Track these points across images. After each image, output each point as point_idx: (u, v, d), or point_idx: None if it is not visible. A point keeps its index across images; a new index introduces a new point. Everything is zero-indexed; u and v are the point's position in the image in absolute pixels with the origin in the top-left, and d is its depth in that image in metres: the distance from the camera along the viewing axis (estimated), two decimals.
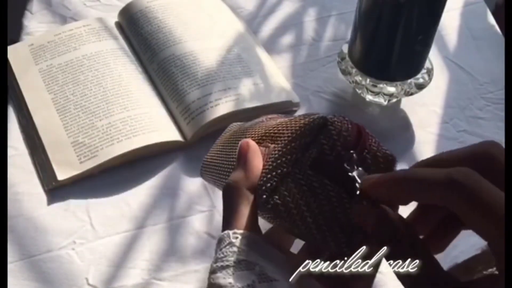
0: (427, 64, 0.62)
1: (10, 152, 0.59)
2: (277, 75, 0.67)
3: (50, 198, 0.56)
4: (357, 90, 0.65)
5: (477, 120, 0.65)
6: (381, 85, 0.62)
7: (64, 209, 0.55)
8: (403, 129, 0.64)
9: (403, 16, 0.55)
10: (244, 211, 0.33)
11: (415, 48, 0.59)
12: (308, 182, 0.32)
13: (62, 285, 0.50)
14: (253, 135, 0.38)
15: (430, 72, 0.63)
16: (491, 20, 0.76)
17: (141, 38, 0.69)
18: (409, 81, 0.62)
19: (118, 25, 0.72)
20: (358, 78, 0.63)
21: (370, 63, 0.61)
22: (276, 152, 0.34)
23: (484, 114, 0.65)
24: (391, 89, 0.62)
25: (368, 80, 0.62)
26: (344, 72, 0.64)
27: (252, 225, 0.32)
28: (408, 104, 0.66)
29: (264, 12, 0.76)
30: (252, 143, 0.36)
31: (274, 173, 0.33)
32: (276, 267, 0.31)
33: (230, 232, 0.32)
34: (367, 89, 0.63)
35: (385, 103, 0.64)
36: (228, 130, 0.45)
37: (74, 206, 0.56)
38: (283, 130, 0.35)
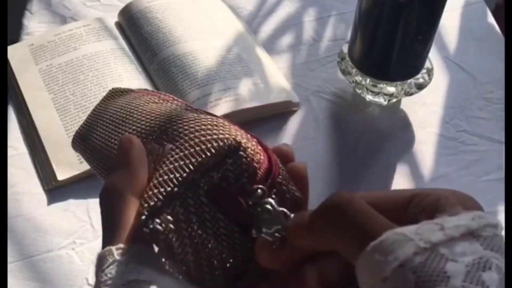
0: (427, 64, 0.62)
1: (10, 152, 0.59)
2: (277, 75, 0.67)
3: (50, 198, 0.56)
4: (357, 90, 0.65)
5: (477, 120, 0.65)
6: (381, 85, 0.62)
7: (64, 209, 0.55)
8: (403, 129, 0.64)
9: (403, 16, 0.55)
10: (130, 221, 0.26)
11: (415, 48, 0.59)
12: (199, 211, 0.27)
13: (62, 285, 0.50)
14: (146, 124, 0.31)
15: (430, 72, 0.63)
16: (491, 20, 0.76)
17: (141, 38, 0.69)
18: (409, 81, 0.62)
19: (118, 25, 0.72)
20: (358, 78, 0.62)
21: (370, 63, 0.61)
22: (171, 161, 0.27)
23: (484, 114, 0.65)
24: (391, 89, 0.62)
25: (368, 80, 0.62)
26: (344, 72, 0.64)
27: (141, 236, 0.26)
28: (408, 104, 0.66)
29: (264, 12, 0.76)
30: (137, 142, 0.29)
31: (162, 190, 0.26)
32: (177, 284, 0.26)
33: (113, 248, 0.25)
34: (367, 89, 0.63)
35: (385, 103, 0.64)
36: (112, 95, 0.37)
37: (74, 206, 0.56)
38: (186, 133, 0.29)
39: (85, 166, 0.57)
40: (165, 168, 0.27)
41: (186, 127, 0.29)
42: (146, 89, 0.36)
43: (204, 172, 0.27)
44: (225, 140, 0.28)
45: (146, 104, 0.33)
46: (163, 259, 0.26)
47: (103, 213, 0.28)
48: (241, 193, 0.27)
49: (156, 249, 0.26)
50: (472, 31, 0.75)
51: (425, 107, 0.66)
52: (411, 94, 0.62)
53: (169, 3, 0.73)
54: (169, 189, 0.26)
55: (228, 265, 0.27)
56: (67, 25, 0.71)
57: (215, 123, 0.29)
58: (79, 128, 0.37)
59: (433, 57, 0.67)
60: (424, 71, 0.62)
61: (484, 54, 0.72)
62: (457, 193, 0.23)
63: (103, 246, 0.26)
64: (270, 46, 0.72)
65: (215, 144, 0.27)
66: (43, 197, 0.56)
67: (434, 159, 0.61)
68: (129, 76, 0.65)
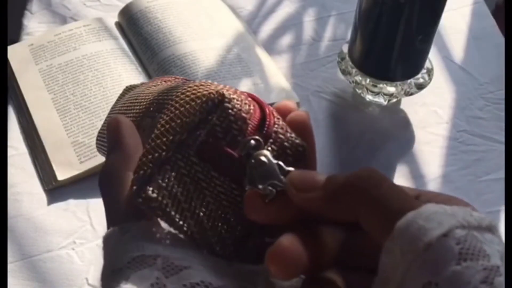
0: (427, 64, 0.62)
1: (10, 152, 0.59)
2: (277, 75, 0.67)
3: (50, 198, 0.56)
4: (357, 90, 0.65)
5: (477, 120, 0.65)
6: (381, 85, 0.62)
7: (64, 209, 0.55)
8: (403, 129, 0.64)
9: (403, 16, 0.55)
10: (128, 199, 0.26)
11: (415, 48, 0.59)
12: (192, 172, 0.26)
13: (62, 285, 0.50)
14: (142, 106, 0.30)
15: (430, 72, 0.63)
16: (491, 20, 0.76)
17: (141, 38, 0.69)
18: (409, 81, 0.62)
19: (118, 25, 0.72)
20: (358, 78, 0.62)
21: (370, 63, 0.61)
22: (158, 128, 0.27)
23: (484, 114, 0.65)
24: (391, 89, 0.62)
25: (368, 80, 0.62)
26: (344, 72, 0.64)
27: (142, 211, 0.25)
28: (408, 104, 0.66)
29: (264, 12, 0.76)
30: (123, 119, 0.29)
31: (150, 157, 0.26)
32: (183, 253, 0.25)
33: (116, 228, 0.25)
34: (367, 89, 0.63)
35: (385, 103, 0.64)
36: (124, 93, 0.37)
37: (74, 206, 0.56)
38: (171, 98, 0.28)
39: (85, 166, 0.57)
40: (153, 136, 0.26)
41: (172, 94, 0.28)
42: (156, 78, 0.35)
43: (190, 131, 0.26)
44: (208, 95, 0.26)
45: (146, 89, 0.33)
46: (167, 231, 0.25)
47: (103, 197, 0.27)
48: (233, 147, 0.26)
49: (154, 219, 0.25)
50: (472, 31, 0.75)
51: (425, 107, 0.66)
52: (411, 94, 0.62)
53: (169, 3, 0.73)
54: (156, 154, 0.26)
55: (232, 224, 0.26)
56: (67, 25, 0.71)
57: (201, 84, 0.28)
58: (99, 131, 0.37)
59: (433, 57, 0.67)
60: (424, 71, 0.62)
61: (484, 54, 0.72)
62: (459, 199, 0.23)
63: (108, 229, 0.26)
64: (270, 46, 0.72)
65: (198, 101, 0.26)
66: (43, 197, 0.56)
67: (434, 159, 0.61)
68: (129, 76, 0.65)
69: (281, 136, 0.27)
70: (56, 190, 0.57)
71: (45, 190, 0.57)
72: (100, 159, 0.57)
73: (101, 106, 0.62)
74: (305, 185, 0.24)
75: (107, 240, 0.25)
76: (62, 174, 0.57)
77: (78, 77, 0.64)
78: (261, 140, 0.26)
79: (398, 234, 0.20)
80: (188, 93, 0.27)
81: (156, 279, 0.23)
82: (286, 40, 0.73)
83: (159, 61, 0.66)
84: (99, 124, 0.60)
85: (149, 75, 0.67)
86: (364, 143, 0.62)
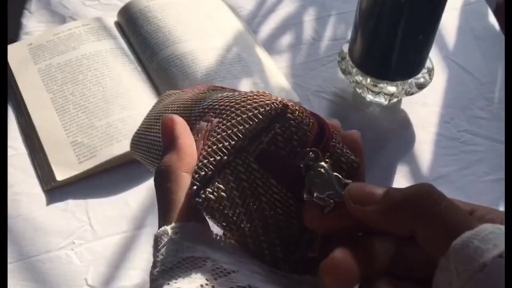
0: (427, 64, 0.62)
1: (9, 152, 0.59)
2: (277, 74, 0.67)
3: (49, 198, 0.56)
4: (358, 89, 0.64)
5: (478, 120, 0.65)
6: (381, 85, 0.62)
7: (63, 209, 0.55)
8: (404, 129, 0.64)
9: (404, 16, 0.54)
10: (182, 199, 0.26)
11: (415, 48, 0.58)
12: (251, 178, 0.27)
13: (61, 285, 0.50)
14: (191, 109, 0.31)
15: (430, 72, 0.62)
16: (492, 19, 0.76)
17: (140, 37, 0.69)
18: (409, 80, 0.62)
19: (118, 24, 0.72)
20: (359, 77, 0.62)
21: (370, 63, 0.61)
22: (219, 132, 0.27)
23: (485, 114, 0.65)
24: (391, 88, 0.62)
25: (368, 79, 0.62)
26: (345, 72, 0.63)
27: (194, 213, 0.26)
28: (408, 104, 0.65)
29: (264, 12, 0.76)
30: (178, 118, 0.29)
31: (211, 159, 0.26)
32: (231, 257, 0.26)
33: (168, 227, 0.26)
34: (367, 88, 0.63)
35: (386, 102, 0.64)
36: (164, 98, 0.37)
37: (73, 207, 0.55)
38: (232, 104, 0.28)
39: (84, 166, 0.57)
40: (213, 139, 0.27)
41: (232, 101, 0.28)
42: (195, 87, 0.36)
43: (252, 138, 0.27)
44: (272, 105, 0.27)
45: (194, 96, 0.33)
46: (216, 234, 0.26)
47: (157, 195, 0.28)
48: (292, 157, 0.27)
49: (209, 222, 0.26)
50: (473, 30, 0.75)
51: (425, 107, 0.66)
52: (412, 94, 0.62)
53: (169, 3, 0.72)
54: (218, 158, 0.26)
55: (284, 233, 0.27)
56: (66, 25, 0.71)
57: (260, 94, 0.29)
58: (135, 133, 0.37)
59: (434, 57, 0.66)
60: (424, 70, 0.62)
61: (485, 54, 0.72)
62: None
63: (159, 227, 0.26)
64: (270, 45, 0.72)
65: (261, 109, 0.27)
66: (42, 197, 0.56)
67: (435, 159, 0.61)
68: (129, 75, 0.65)
69: (338, 151, 0.28)
70: (55, 190, 0.56)
71: (44, 190, 0.56)
72: (100, 159, 0.57)
73: (100, 106, 0.61)
74: (363, 198, 0.25)
75: (158, 238, 0.26)
76: (61, 174, 0.56)
77: (77, 76, 0.64)
78: (319, 152, 0.27)
79: (454, 253, 0.21)
80: (249, 101, 0.28)
81: (205, 280, 0.24)
82: (286, 39, 0.73)
83: (159, 61, 0.66)
84: (98, 124, 0.60)
85: (148, 75, 0.66)
86: (365, 143, 0.61)
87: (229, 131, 0.27)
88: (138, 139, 0.36)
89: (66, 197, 0.56)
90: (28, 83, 0.64)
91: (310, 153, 0.27)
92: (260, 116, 0.27)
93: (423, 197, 0.23)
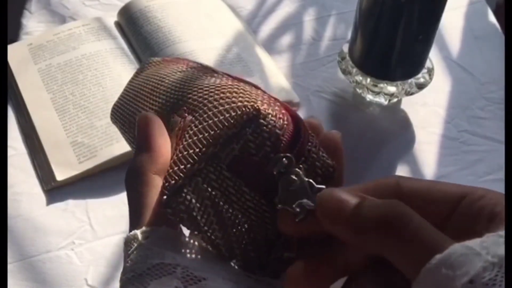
0: (427, 64, 0.62)
1: (9, 152, 0.59)
2: (277, 74, 0.67)
3: (49, 198, 0.56)
4: (358, 89, 0.64)
5: (478, 120, 0.65)
6: (381, 85, 0.62)
7: (63, 209, 0.55)
8: (404, 129, 0.64)
9: (404, 16, 0.54)
10: (153, 203, 0.26)
11: (415, 48, 0.58)
12: (223, 186, 0.26)
13: (61, 285, 0.50)
14: (170, 95, 0.30)
15: (430, 72, 0.62)
16: (492, 19, 0.76)
17: (140, 37, 0.69)
18: (409, 80, 0.62)
19: (118, 24, 0.72)
20: (359, 77, 0.62)
21: (370, 63, 0.61)
22: (191, 134, 0.27)
23: (485, 114, 0.65)
24: (391, 88, 0.62)
25: (368, 79, 0.62)
26: (345, 72, 0.63)
27: (165, 218, 0.26)
28: (408, 104, 0.65)
29: (264, 12, 0.76)
30: (154, 118, 0.29)
31: (182, 167, 0.26)
32: (202, 264, 0.25)
33: (138, 232, 0.25)
34: (367, 88, 0.63)
35: (386, 103, 0.64)
36: (144, 68, 0.36)
37: (73, 207, 0.55)
38: (205, 103, 0.28)
39: (84, 166, 0.57)
40: (185, 143, 0.27)
41: (206, 96, 0.28)
42: (177, 58, 0.35)
43: (223, 144, 0.26)
44: (243, 108, 0.26)
45: (172, 74, 0.32)
46: (188, 239, 0.26)
47: (128, 197, 0.27)
48: (265, 163, 0.26)
49: (182, 229, 0.26)
50: (473, 30, 0.75)
51: (425, 107, 0.66)
52: (412, 94, 0.62)
53: (169, 3, 0.72)
54: (189, 165, 0.26)
55: (258, 238, 0.26)
56: (66, 25, 0.71)
57: (235, 89, 0.28)
58: (114, 103, 0.36)
59: (434, 57, 0.66)
60: (424, 70, 0.62)
61: (485, 54, 0.72)
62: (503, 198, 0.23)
63: (130, 230, 0.26)
64: (270, 45, 0.72)
65: (233, 113, 0.26)
66: (42, 197, 0.56)
67: (435, 159, 0.61)
68: (129, 76, 0.65)
69: (313, 155, 0.27)
70: (55, 190, 0.56)
71: (44, 191, 0.56)
72: (100, 159, 0.57)
73: (100, 106, 0.61)
74: (333, 210, 0.24)
75: (128, 242, 0.26)
76: (61, 174, 0.56)
77: (77, 76, 0.64)
78: (293, 158, 0.26)
79: (424, 279, 0.20)
80: (222, 101, 0.27)
81: None
82: (286, 39, 0.73)
83: None
84: (98, 124, 0.60)
85: None
86: (365, 143, 0.62)
87: (200, 135, 0.26)
88: (118, 111, 0.35)
89: (66, 197, 0.56)
90: (28, 83, 0.64)
91: (284, 159, 0.26)
92: (232, 121, 0.26)
93: (395, 217, 0.22)
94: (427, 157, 0.61)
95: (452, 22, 0.75)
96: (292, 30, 0.74)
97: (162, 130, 0.28)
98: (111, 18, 0.72)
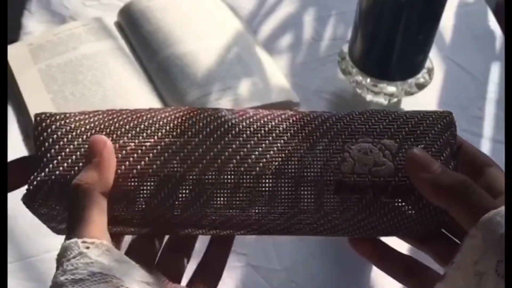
0: (427, 64, 0.62)
1: (9, 152, 0.59)
2: (277, 75, 0.67)
3: None
4: (358, 90, 0.64)
5: (478, 120, 0.65)
6: (381, 85, 0.62)
7: None
8: None
9: (404, 16, 0.54)
10: (95, 219, 0.29)
11: (415, 48, 0.58)
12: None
13: None
14: (116, 125, 0.36)
15: (430, 72, 0.62)
16: (492, 19, 0.76)
17: (140, 37, 0.69)
18: (409, 80, 0.62)
19: (118, 24, 0.72)
20: (359, 77, 0.62)
21: (370, 63, 0.61)
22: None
23: (485, 114, 0.65)
24: (391, 88, 0.62)
25: (368, 79, 0.62)
26: (345, 72, 0.63)
27: (104, 234, 0.29)
28: (408, 104, 0.65)
29: (264, 12, 0.76)
30: (108, 142, 0.32)
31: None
32: (136, 280, 0.28)
33: (79, 240, 0.28)
34: (367, 88, 0.63)
35: (386, 103, 0.64)
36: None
37: None
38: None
39: None
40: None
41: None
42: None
43: None
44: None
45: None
46: (125, 257, 0.29)
47: (70, 207, 0.30)
48: None
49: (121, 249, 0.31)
50: (473, 30, 0.75)
51: (425, 107, 0.66)
52: (412, 94, 0.62)
53: (169, 3, 0.72)
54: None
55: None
56: (66, 25, 0.71)
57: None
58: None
59: (434, 57, 0.66)
60: (424, 70, 0.62)
61: (484, 54, 0.72)
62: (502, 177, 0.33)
63: (67, 237, 0.29)
64: (270, 45, 0.72)
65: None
66: None
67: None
68: (129, 76, 0.65)
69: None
70: None
71: None
72: None
73: (100, 106, 0.61)
74: (423, 167, 0.32)
75: (68, 247, 0.28)
76: None
77: (77, 77, 0.64)
78: None
79: (482, 225, 0.28)
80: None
81: None
82: (286, 39, 0.73)
83: (159, 61, 0.66)
84: None
85: (148, 75, 0.66)
86: None
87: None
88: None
89: None
90: (28, 83, 0.64)
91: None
92: None
93: (464, 186, 0.30)
94: None
95: (452, 22, 0.75)
96: (292, 30, 0.74)
97: (112, 155, 0.32)
98: (111, 18, 0.72)
